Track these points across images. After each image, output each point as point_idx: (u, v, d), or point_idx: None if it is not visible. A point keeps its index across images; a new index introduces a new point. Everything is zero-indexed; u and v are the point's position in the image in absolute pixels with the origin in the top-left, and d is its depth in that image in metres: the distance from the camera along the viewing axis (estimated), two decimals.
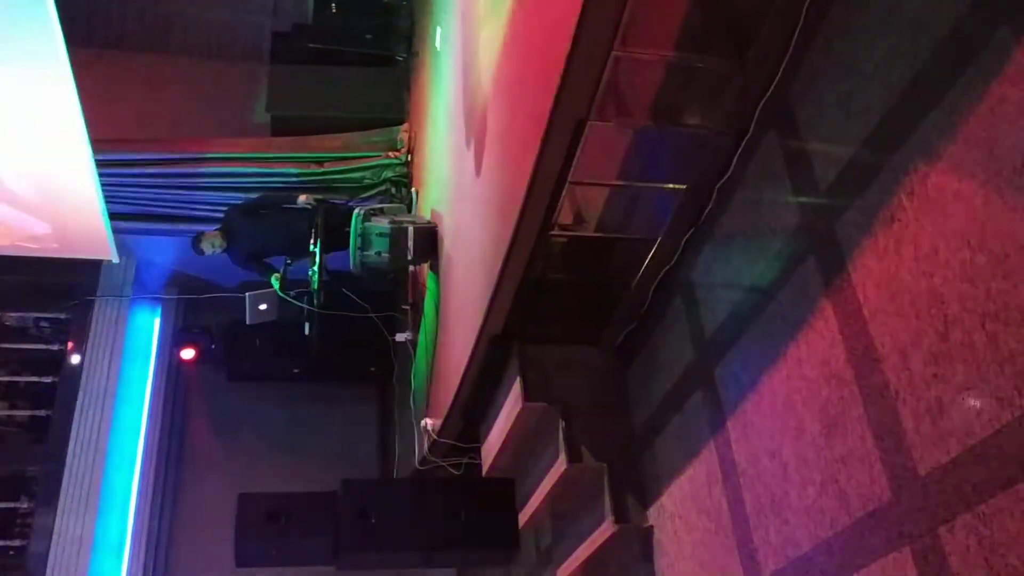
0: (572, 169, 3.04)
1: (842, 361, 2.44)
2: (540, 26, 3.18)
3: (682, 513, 3.42)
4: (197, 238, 6.13)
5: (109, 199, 5.96)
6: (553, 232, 3.37)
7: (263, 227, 6.26)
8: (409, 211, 6.36)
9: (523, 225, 3.28)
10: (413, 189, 6.64)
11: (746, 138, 2.95)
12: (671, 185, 3.24)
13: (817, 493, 2.52)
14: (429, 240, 5.30)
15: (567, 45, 2.65)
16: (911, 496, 2.15)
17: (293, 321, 6.58)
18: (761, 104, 2.82)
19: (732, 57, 2.78)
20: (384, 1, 8.19)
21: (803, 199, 2.68)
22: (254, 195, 6.59)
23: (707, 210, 3.22)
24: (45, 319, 7.33)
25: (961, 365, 2.00)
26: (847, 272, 2.44)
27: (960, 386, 2.00)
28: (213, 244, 6.10)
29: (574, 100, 2.80)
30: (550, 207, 3.21)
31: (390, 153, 6.88)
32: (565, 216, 3.34)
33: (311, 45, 7.26)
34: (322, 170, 6.82)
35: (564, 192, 3.15)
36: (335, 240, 5.87)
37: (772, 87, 2.76)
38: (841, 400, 2.44)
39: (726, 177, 3.08)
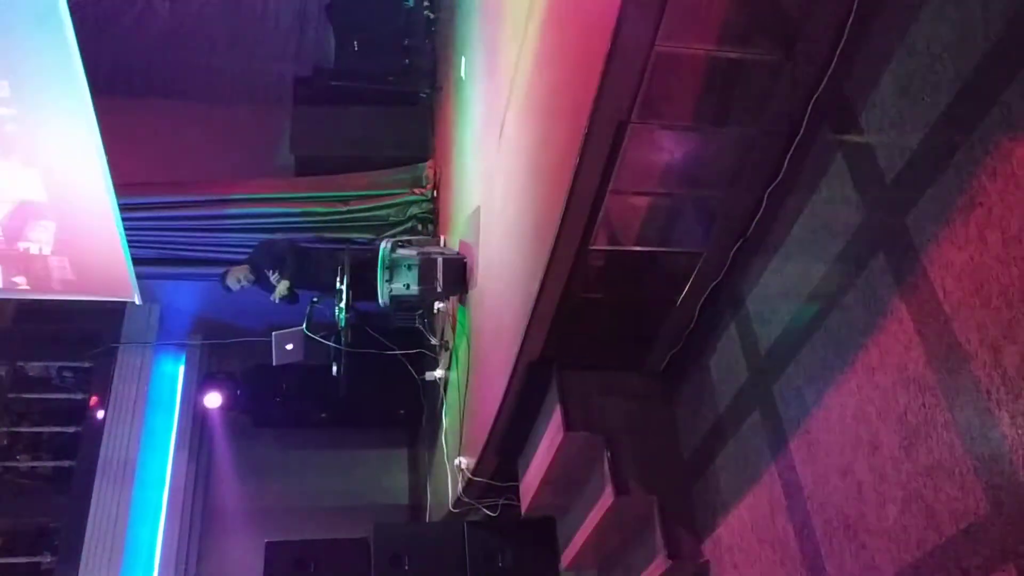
0: (613, 176, 2.89)
1: (921, 364, 2.23)
2: (576, 31, 3.06)
3: (742, 545, 3.18)
4: (224, 275, 6.06)
5: (133, 243, 5.88)
6: (593, 247, 3.19)
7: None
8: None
9: (561, 240, 3.12)
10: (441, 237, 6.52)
11: (798, 137, 2.78)
12: (716, 193, 3.07)
13: (899, 511, 2.30)
14: (458, 272, 5.15)
15: (606, 42, 2.52)
16: (1013, 506, 1.92)
17: (319, 365, 6.44)
18: (814, 98, 2.66)
19: (780, 49, 2.62)
20: (405, 44, 8.20)
21: (867, 195, 2.50)
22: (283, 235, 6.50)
23: (757, 218, 3.05)
24: (68, 368, 7.23)
25: None
26: (922, 267, 2.24)
27: None
28: (239, 279, 6.02)
29: (614, 101, 2.67)
30: (590, 219, 3.05)
31: (415, 190, 6.77)
32: (604, 231, 3.17)
33: (334, 84, 7.22)
34: (347, 208, 6.73)
35: (604, 202, 2.99)
36: (362, 285, 5.76)
37: (826, 79, 2.60)
38: (923, 407, 2.23)
39: (777, 181, 2.91)
